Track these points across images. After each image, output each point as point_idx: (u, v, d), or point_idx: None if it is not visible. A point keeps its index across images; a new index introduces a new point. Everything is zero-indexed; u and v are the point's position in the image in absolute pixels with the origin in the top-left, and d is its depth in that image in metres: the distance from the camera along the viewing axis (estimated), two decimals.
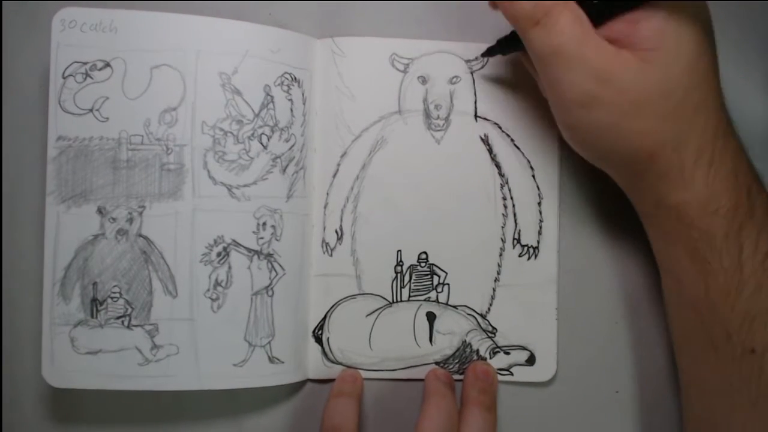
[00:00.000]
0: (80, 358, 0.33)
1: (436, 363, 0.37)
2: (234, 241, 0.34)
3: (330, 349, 0.37)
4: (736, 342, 0.29)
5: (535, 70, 0.32)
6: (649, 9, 0.29)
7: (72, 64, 0.33)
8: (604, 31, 0.30)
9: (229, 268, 0.34)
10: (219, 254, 0.34)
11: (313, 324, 0.37)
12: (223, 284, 0.34)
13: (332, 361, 0.37)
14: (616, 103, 0.29)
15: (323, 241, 0.37)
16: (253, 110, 0.35)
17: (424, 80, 0.37)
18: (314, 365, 0.37)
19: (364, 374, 0.37)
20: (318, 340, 0.37)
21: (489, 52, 0.35)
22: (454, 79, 0.37)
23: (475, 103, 0.37)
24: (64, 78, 0.33)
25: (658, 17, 0.29)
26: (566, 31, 0.29)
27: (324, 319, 0.37)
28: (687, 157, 0.29)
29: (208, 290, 0.34)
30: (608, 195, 0.36)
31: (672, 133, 0.29)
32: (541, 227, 0.36)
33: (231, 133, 0.34)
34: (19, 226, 0.36)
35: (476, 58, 0.37)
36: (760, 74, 0.38)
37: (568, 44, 0.29)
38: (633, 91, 0.29)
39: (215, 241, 0.34)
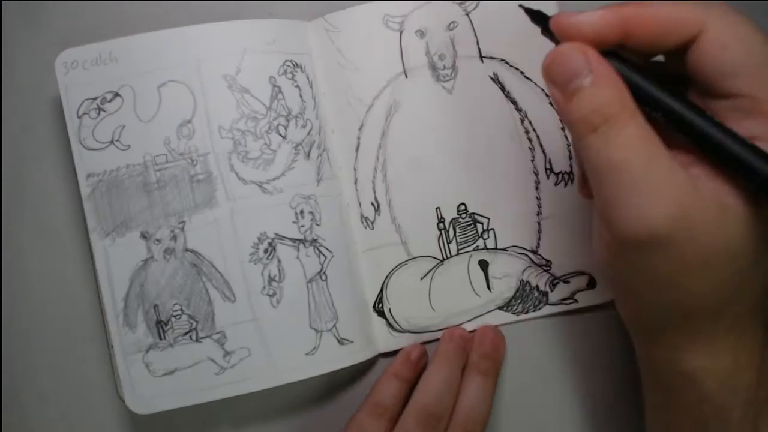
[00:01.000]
0: (159, 380, 0.34)
1: (500, 308, 0.37)
2: (277, 234, 0.34)
3: (394, 319, 0.37)
4: None
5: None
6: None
7: (83, 102, 0.34)
8: (682, 157, 0.24)
9: (279, 261, 0.34)
10: (266, 250, 0.34)
11: (371, 299, 0.37)
12: (277, 279, 0.34)
13: (399, 331, 0.37)
14: (684, 252, 0.23)
15: (362, 216, 0.37)
16: (264, 104, 0.35)
17: (422, 34, 0.37)
18: (382, 338, 0.37)
19: (432, 336, 0.37)
20: (380, 313, 0.37)
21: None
22: (452, 25, 0.37)
23: (478, 44, 0.37)
24: (79, 117, 0.34)
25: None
26: (631, 145, 0.23)
27: (381, 291, 0.37)
28: (723, 323, 0.25)
29: (264, 287, 0.34)
30: None
31: (717, 299, 0.24)
32: (570, 151, 0.36)
33: (249, 131, 0.35)
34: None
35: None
36: None
37: (633, 162, 0.23)
38: (706, 243, 0.23)
39: (259, 239, 0.34)
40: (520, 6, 0.28)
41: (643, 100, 0.24)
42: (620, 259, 0.25)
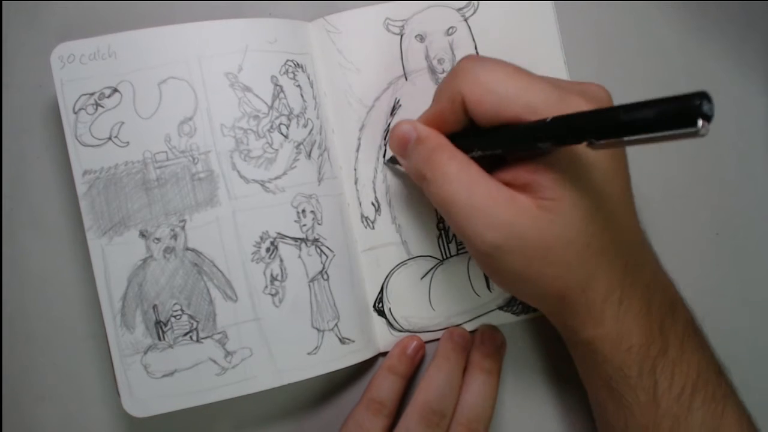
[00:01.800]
0: (157, 382, 0.33)
1: (500, 308, 0.37)
2: (279, 233, 0.34)
3: (394, 318, 0.37)
4: None
5: None
6: (548, 158, 0.28)
7: (80, 97, 0.33)
8: (505, 175, 0.29)
9: (281, 260, 0.34)
10: (268, 249, 0.34)
11: (371, 298, 0.37)
12: (279, 278, 0.34)
13: (399, 330, 0.37)
14: (519, 251, 0.28)
15: (362, 216, 0.37)
16: (266, 103, 0.35)
17: (421, 38, 0.37)
18: (382, 337, 0.37)
19: (432, 336, 0.37)
20: (380, 312, 0.37)
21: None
22: (451, 30, 0.37)
23: (476, 48, 0.37)
24: (75, 113, 0.33)
25: (556, 167, 0.28)
26: (455, 180, 0.29)
27: (381, 291, 0.37)
28: (595, 296, 0.29)
29: (266, 287, 0.34)
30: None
31: (578, 277, 0.28)
32: None
33: (251, 129, 0.34)
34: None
35: (466, 6, 0.37)
36: (760, 74, 0.38)
37: (459, 195, 0.28)
38: (534, 239, 0.28)
39: (261, 238, 0.34)
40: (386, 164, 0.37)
41: (462, 148, 0.30)
42: (484, 265, 0.30)
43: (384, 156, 0.37)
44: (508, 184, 0.29)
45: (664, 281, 0.31)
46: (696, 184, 0.39)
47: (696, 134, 0.20)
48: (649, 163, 0.38)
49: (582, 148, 0.28)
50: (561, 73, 0.37)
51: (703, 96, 0.19)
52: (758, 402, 0.31)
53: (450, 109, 0.30)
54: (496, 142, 0.29)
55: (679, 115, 0.20)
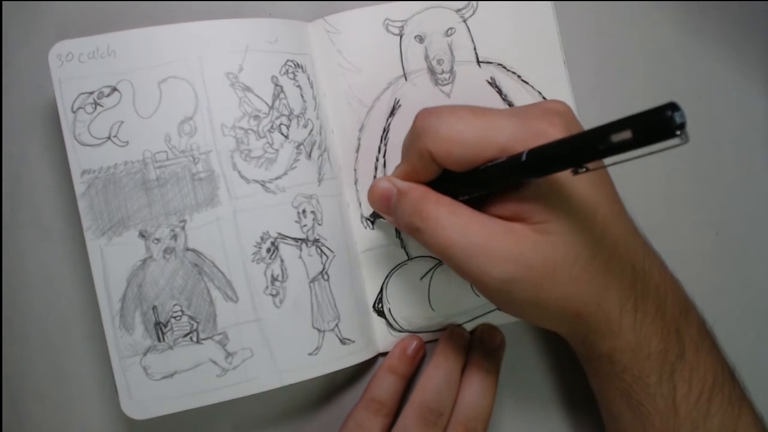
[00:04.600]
0: (157, 384, 0.33)
1: (500, 308, 0.37)
2: (280, 234, 0.34)
3: (393, 319, 0.37)
4: None
5: None
6: (531, 184, 0.28)
7: (78, 96, 0.33)
8: (493, 210, 0.29)
9: (282, 261, 0.34)
10: (269, 250, 0.34)
11: (371, 299, 0.37)
12: (280, 278, 0.34)
13: (398, 330, 0.37)
14: (528, 279, 0.28)
15: (362, 216, 0.37)
16: (266, 103, 0.35)
17: (421, 39, 0.37)
18: (382, 338, 0.37)
19: (431, 336, 0.37)
20: (380, 313, 0.37)
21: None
22: (450, 31, 0.37)
23: (475, 49, 0.38)
24: (74, 112, 0.33)
25: (541, 190, 0.28)
26: (448, 224, 0.28)
27: (381, 291, 0.37)
28: (611, 308, 0.29)
29: (267, 287, 0.34)
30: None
31: (591, 291, 0.28)
32: None
33: (251, 129, 0.34)
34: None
35: (465, 7, 0.37)
36: (760, 74, 0.38)
37: (454, 237, 0.28)
38: (540, 264, 0.27)
39: (262, 238, 0.34)
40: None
41: (444, 193, 0.30)
42: (496, 300, 0.30)
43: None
44: (497, 217, 0.29)
45: (673, 283, 0.31)
46: (696, 184, 0.39)
47: (677, 145, 0.20)
48: (649, 162, 0.38)
49: None
50: (561, 73, 0.37)
51: (673, 107, 0.19)
52: (760, 402, 0.31)
53: (421, 164, 0.30)
54: (477, 185, 0.29)
55: (654, 130, 0.20)
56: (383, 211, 0.33)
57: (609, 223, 0.29)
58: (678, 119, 0.19)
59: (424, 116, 0.30)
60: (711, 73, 0.38)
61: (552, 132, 0.27)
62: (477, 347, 0.36)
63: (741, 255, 0.39)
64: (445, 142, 0.28)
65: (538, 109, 0.29)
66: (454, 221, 0.28)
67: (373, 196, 0.32)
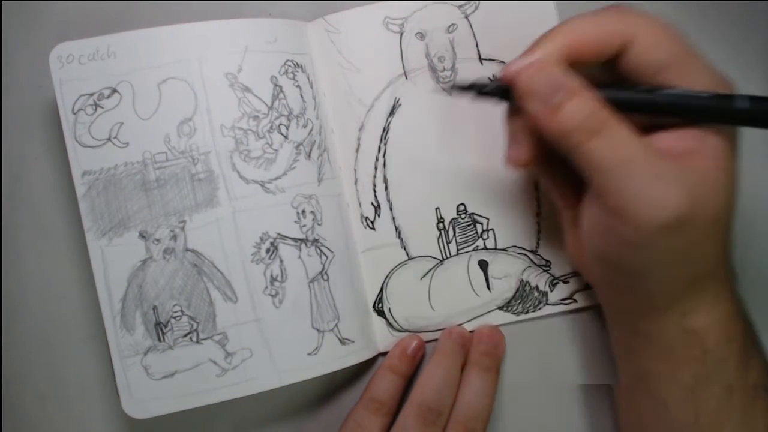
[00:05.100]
0: (157, 384, 0.33)
1: (500, 308, 0.37)
2: (279, 234, 0.34)
3: (394, 318, 0.37)
4: None
5: (567, 211, 0.31)
6: (707, 127, 0.27)
7: (79, 98, 0.33)
8: (663, 140, 0.27)
9: (281, 261, 0.34)
10: (268, 250, 0.34)
11: (371, 298, 0.37)
12: (279, 278, 0.34)
13: (398, 330, 0.37)
14: (703, 223, 0.25)
15: (362, 216, 0.37)
16: (265, 103, 0.35)
17: (422, 36, 0.37)
18: (382, 338, 0.37)
19: (432, 335, 0.37)
20: (380, 312, 0.37)
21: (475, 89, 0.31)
22: (451, 28, 0.37)
23: (477, 46, 0.37)
24: (74, 113, 0.33)
25: (722, 134, 0.27)
26: (631, 142, 0.25)
27: (381, 291, 0.37)
28: (719, 279, 0.28)
29: (266, 287, 0.34)
30: None
31: (719, 257, 0.27)
32: None
33: (250, 130, 0.34)
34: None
35: (467, 2, 0.37)
36: (760, 74, 0.38)
37: (638, 156, 0.25)
38: (714, 207, 0.26)
39: (261, 239, 0.34)
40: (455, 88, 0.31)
41: (614, 105, 0.27)
42: (635, 248, 0.26)
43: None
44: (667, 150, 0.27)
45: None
46: None
47: None
48: None
49: None
50: None
51: None
52: None
53: (596, 50, 0.27)
54: (673, 109, 0.27)
55: None
56: (539, 97, 0.27)
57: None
58: None
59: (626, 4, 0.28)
60: None
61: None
62: (477, 347, 0.36)
63: (741, 255, 0.38)
64: (662, 32, 0.27)
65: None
66: (637, 143, 0.25)
67: (533, 80, 0.27)
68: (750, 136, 0.39)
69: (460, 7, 0.37)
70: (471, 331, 0.37)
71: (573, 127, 0.26)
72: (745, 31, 0.37)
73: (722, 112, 0.26)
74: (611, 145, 0.25)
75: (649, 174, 0.25)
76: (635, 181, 0.25)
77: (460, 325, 0.37)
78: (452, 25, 0.37)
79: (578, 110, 0.26)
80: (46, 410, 0.36)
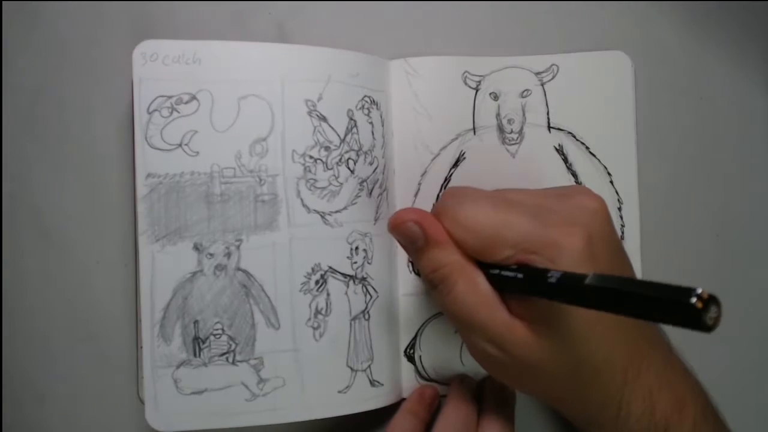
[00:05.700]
0: (185, 399, 0.32)
1: None
2: (330, 267, 0.34)
3: (423, 366, 0.37)
4: None
5: None
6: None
7: (156, 98, 0.32)
8: (514, 304, 0.29)
9: (328, 295, 0.34)
10: (317, 282, 0.34)
11: (404, 343, 0.37)
12: (323, 312, 0.34)
13: (426, 379, 0.37)
14: (511, 366, 0.29)
15: (408, 260, 0.37)
16: (339, 135, 0.34)
17: (495, 96, 0.38)
18: (408, 384, 0.37)
19: None
20: (410, 358, 0.37)
21: None
22: (525, 93, 0.38)
23: (548, 114, 0.38)
24: (149, 113, 0.32)
25: (551, 308, 0.28)
26: (459, 299, 0.29)
27: (415, 337, 0.37)
28: (593, 411, 0.29)
29: (309, 319, 0.34)
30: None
31: (573, 392, 0.29)
32: (623, 232, 0.38)
33: (320, 160, 0.34)
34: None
35: (545, 70, 0.38)
36: (761, 74, 0.39)
37: (462, 311, 0.29)
38: (523, 359, 0.28)
39: (313, 269, 0.34)
40: None
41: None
42: (483, 365, 0.31)
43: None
44: (512, 305, 0.29)
45: (673, 380, 0.30)
46: (696, 184, 0.39)
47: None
48: (650, 163, 0.38)
49: None
50: (630, 149, 0.38)
51: (711, 300, 0.18)
52: (758, 404, 0.30)
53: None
54: (499, 282, 0.29)
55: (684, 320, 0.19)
56: (403, 244, 0.31)
57: (607, 335, 0.28)
58: (710, 316, 0.18)
59: (447, 196, 0.31)
60: (711, 73, 0.38)
61: (567, 246, 0.27)
62: (490, 396, 0.36)
63: (741, 256, 0.39)
64: (461, 228, 0.29)
65: (567, 208, 0.29)
66: (468, 299, 0.29)
67: (397, 229, 0.30)
68: (750, 136, 0.40)
69: (537, 74, 0.38)
70: (479, 382, 0.37)
71: (424, 275, 0.30)
72: (747, 31, 0.37)
73: (537, 286, 0.27)
74: (443, 299, 0.30)
75: (464, 325, 0.30)
76: (457, 327, 0.30)
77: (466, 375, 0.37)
78: (526, 90, 0.38)
79: (427, 264, 0.30)
80: (46, 410, 0.35)
